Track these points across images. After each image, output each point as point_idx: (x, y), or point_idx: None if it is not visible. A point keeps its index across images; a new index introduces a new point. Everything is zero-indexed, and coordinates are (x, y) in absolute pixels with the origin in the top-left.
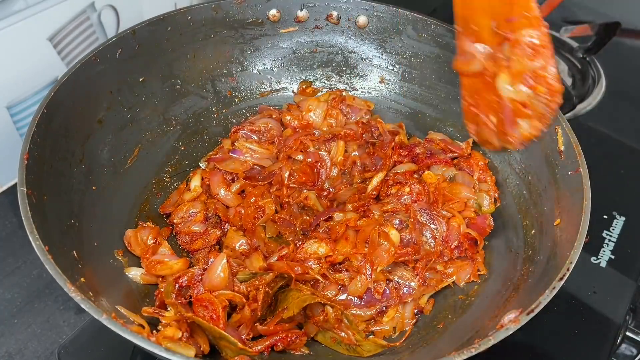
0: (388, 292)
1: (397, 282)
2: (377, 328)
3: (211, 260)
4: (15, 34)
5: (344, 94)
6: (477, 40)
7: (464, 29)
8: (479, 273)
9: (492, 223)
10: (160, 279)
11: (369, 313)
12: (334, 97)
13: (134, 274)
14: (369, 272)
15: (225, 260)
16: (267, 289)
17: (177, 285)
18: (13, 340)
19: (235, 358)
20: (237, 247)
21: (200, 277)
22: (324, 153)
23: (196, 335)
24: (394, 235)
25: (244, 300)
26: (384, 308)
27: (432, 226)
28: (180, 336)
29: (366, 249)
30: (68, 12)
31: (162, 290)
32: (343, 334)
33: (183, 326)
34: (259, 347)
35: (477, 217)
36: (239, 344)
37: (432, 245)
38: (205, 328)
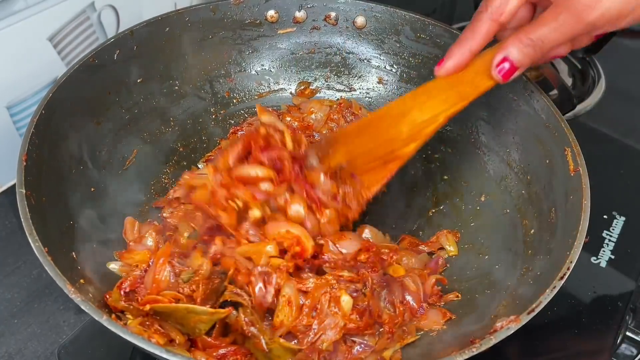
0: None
1: (352, 340)
2: None
3: (151, 261)
4: (15, 34)
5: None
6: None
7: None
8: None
9: (444, 261)
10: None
11: None
12: (340, 103)
13: (113, 267)
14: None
15: (162, 260)
16: (207, 284)
17: (121, 292)
18: (13, 340)
19: None
20: (185, 237)
21: (141, 280)
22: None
23: (167, 329)
24: (346, 302)
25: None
26: None
27: (387, 292)
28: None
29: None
30: (68, 12)
31: (109, 298)
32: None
33: (152, 325)
34: None
35: (430, 261)
36: (210, 309)
37: (392, 310)
38: (170, 311)
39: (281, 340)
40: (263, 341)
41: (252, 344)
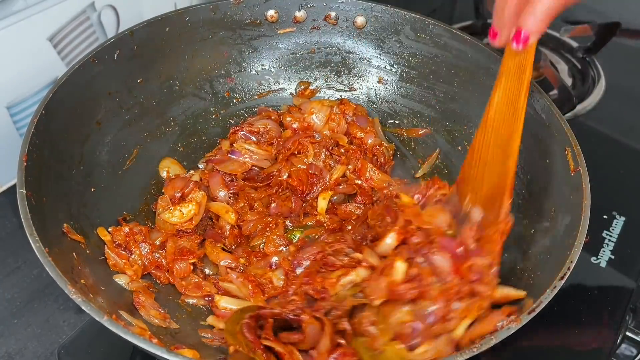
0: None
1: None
2: None
3: None
4: (15, 34)
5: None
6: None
7: None
8: None
9: None
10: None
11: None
12: (340, 103)
13: (120, 280)
14: None
15: None
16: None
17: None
18: (13, 340)
19: None
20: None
21: None
22: (326, 173)
23: None
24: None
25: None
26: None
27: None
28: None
29: None
30: (68, 12)
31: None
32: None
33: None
34: None
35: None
36: None
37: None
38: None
39: (398, 347)
40: (380, 342)
41: (362, 342)
